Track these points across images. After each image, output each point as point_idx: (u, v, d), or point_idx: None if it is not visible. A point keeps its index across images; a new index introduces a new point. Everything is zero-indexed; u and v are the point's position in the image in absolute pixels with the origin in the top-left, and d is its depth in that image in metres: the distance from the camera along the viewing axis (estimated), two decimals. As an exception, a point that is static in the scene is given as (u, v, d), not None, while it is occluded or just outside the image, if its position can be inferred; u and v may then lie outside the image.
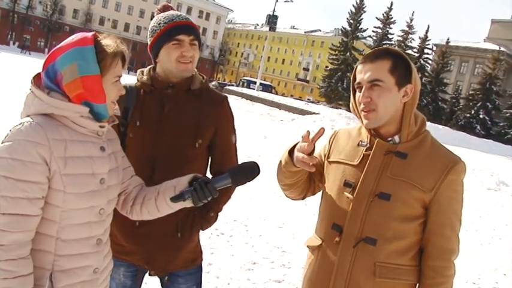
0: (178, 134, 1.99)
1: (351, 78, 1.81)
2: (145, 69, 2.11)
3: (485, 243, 7.19)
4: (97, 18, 74.42)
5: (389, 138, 1.76)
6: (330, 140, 1.95)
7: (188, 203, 1.63)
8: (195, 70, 2.08)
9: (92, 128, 1.55)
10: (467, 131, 39.11)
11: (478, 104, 49.51)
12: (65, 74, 1.49)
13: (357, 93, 1.76)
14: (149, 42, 2.03)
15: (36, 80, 1.56)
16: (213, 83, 45.29)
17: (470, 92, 52.60)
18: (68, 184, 1.49)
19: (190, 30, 1.98)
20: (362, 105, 1.72)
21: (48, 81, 1.52)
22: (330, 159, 1.89)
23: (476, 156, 19.42)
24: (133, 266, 2.10)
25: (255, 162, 1.70)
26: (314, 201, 1.96)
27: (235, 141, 2.17)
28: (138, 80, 2.08)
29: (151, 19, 2.10)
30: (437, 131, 26.17)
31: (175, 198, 1.62)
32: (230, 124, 2.14)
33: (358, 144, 1.82)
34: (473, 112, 49.35)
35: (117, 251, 2.04)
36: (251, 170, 1.66)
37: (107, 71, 1.52)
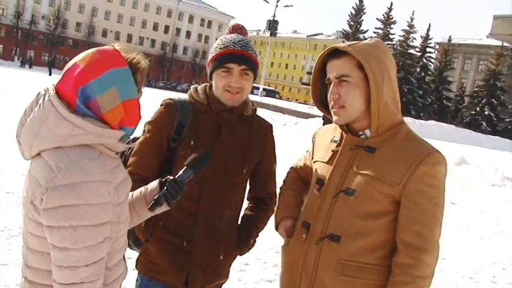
0: (229, 158, 1.96)
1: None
2: (200, 87, 2.03)
3: (485, 238, 7.16)
4: (100, 30, 74.77)
5: (361, 133, 1.72)
6: (312, 141, 1.95)
7: (164, 207, 1.61)
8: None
9: (120, 150, 1.45)
10: (473, 128, 38.78)
11: (483, 101, 49.09)
12: (103, 101, 1.33)
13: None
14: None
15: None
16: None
17: (475, 89, 52.10)
18: (121, 214, 1.43)
19: (241, 59, 1.89)
20: (332, 102, 1.70)
21: (82, 107, 1.33)
22: (313, 160, 1.89)
23: (480, 152, 19.28)
24: (166, 287, 1.99)
25: (208, 149, 1.73)
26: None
27: (275, 168, 2.18)
28: (191, 97, 2.00)
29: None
30: (442, 129, 26.02)
31: (153, 207, 1.56)
32: (274, 153, 2.16)
33: (331, 141, 1.80)
34: (478, 109, 48.91)
35: (151, 269, 1.99)
36: (205, 157, 1.69)
37: (139, 91, 1.45)
